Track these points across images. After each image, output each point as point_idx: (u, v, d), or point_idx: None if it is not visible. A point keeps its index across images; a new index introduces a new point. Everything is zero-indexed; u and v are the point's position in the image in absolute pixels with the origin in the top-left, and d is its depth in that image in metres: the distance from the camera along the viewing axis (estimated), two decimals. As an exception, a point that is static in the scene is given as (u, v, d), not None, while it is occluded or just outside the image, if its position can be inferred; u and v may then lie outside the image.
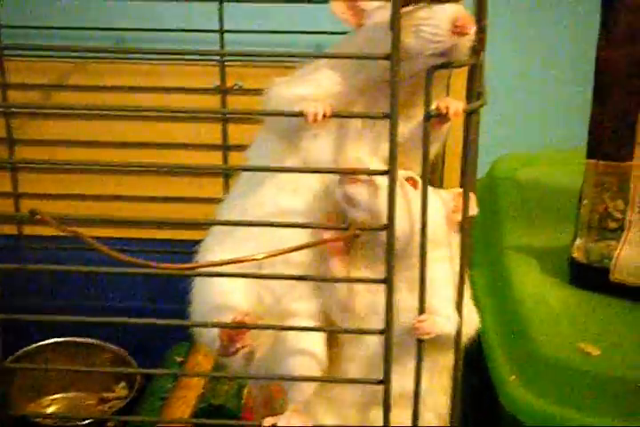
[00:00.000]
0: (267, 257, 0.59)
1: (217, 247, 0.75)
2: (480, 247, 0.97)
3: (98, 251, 0.62)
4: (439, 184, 1.17)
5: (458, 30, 0.64)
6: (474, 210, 0.70)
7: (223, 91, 1.18)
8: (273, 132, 0.75)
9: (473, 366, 0.83)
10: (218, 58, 1.16)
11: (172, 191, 1.18)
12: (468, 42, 0.65)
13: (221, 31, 1.17)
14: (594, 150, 0.80)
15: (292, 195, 0.73)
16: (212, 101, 1.18)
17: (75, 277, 1.18)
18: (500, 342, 0.80)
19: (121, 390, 1.18)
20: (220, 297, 0.72)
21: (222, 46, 1.17)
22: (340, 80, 0.71)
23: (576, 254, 0.83)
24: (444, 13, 0.64)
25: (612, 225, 0.81)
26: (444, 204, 0.72)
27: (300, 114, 0.64)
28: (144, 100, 1.17)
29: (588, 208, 0.82)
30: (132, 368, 1.16)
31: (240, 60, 1.16)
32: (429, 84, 0.61)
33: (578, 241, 0.83)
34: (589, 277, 0.83)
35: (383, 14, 0.67)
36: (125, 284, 1.20)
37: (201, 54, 1.04)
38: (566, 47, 1.26)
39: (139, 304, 1.21)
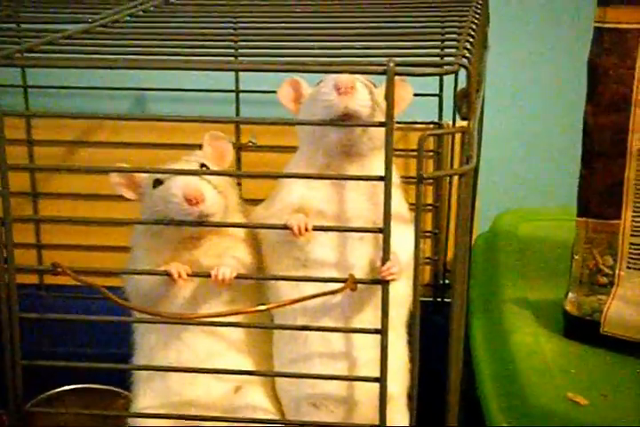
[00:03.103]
0: (269, 308, 0.64)
1: None
2: (479, 299, 1.01)
3: (111, 301, 0.67)
4: (445, 242, 1.23)
5: (340, 91, 0.76)
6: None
7: (238, 147, 1.23)
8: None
9: (470, 411, 0.86)
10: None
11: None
12: (358, 102, 0.77)
13: (237, 91, 1.23)
14: (584, 209, 0.85)
15: None
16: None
17: (93, 324, 1.22)
18: (495, 390, 0.83)
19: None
20: None
21: (238, 106, 1.23)
22: (307, 166, 0.85)
23: (569, 308, 0.87)
24: (330, 80, 0.78)
25: (602, 280, 0.85)
26: None
27: (286, 227, 0.73)
28: (161, 155, 1.22)
29: (580, 264, 0.86)
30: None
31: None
32: (421, 148, 0.65)
33: (570, 295, 0.87)
34: (581, 329, 0.86)
35: (310, 92, 0.84)
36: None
37: (217, 122, 1.10)
38: (567, 106, 1.32)
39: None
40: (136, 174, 0.87)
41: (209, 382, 0.85)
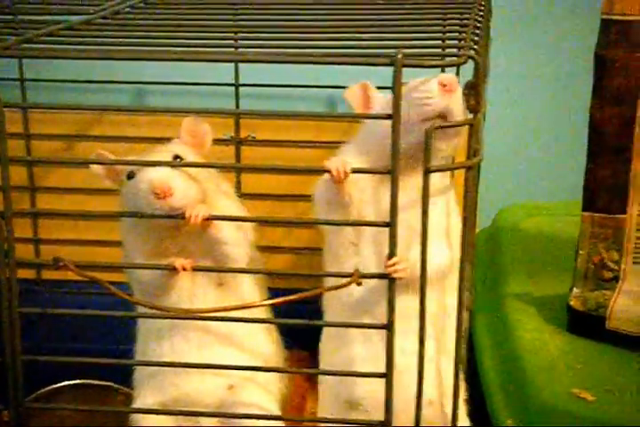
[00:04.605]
0: (272, 304, 0.63)
1: None
2: (482, 293, 1.00)
3: (115, 295, 0.66)
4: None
5: (446, 89, 0.73)
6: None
7: (237, 142, 1.22)
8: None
9: (475, 407, 0.86)
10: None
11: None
12: (457, 103, 0.73)
13: (237, 85, 1.22)
14: (589, 203, 0.84)
15: None
16: (227, 151, 1.22)
17: (91, 320, 1.20)
18: (499, 386, 0.83)
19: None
20: None
21: (237, 100, 1.22)
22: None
23: (573, 303, 0.87)
24: (431, 81, 0.74)
25: (608, 275, 0.85)
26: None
27: (325, 170, 0.71)
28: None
29: (584, 258, 0.85)
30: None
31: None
32: (429, 142, 0.65)
33: (575, 290, 0.87)
34: (586, 324, 0.86)
35: (384, 100, 0.79)
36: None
37: (216, 113, 1.08)
38: (568, 101, 1.31)
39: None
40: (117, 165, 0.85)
41: (203, 375, 0.85)
